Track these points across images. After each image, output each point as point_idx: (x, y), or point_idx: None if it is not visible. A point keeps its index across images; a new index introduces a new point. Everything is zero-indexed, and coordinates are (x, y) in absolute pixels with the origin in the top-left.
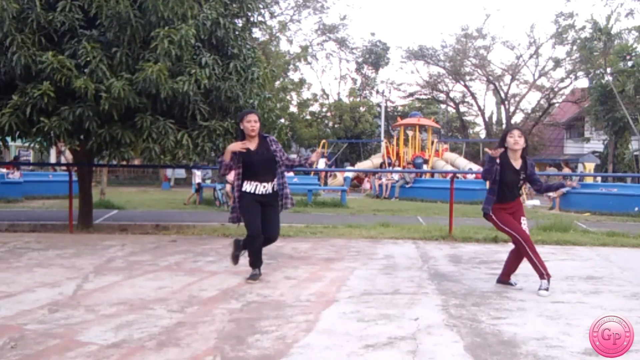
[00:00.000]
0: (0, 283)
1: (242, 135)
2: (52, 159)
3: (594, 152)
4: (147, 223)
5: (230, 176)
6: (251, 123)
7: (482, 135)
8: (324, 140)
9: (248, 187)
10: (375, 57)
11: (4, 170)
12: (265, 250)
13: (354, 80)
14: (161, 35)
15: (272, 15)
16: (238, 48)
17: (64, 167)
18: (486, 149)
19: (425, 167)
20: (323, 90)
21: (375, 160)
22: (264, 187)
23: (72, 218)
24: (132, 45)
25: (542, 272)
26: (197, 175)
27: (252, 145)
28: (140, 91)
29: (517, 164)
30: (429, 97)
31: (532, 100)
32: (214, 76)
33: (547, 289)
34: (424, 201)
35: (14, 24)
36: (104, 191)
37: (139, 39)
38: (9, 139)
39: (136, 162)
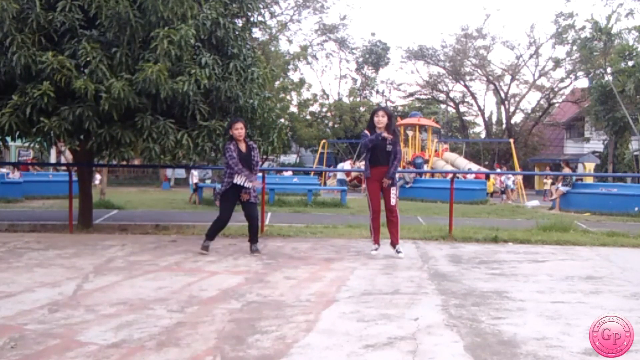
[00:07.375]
0: (0, 283)
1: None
2: (52, 159)
3: (594, 152)
4: (147, 223)
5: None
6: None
7: (482, 135)
8: (324, 140)
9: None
10: (375, 57)
11: (4, 170)
12: (266, 250)
13: (354, 80)
14: (161, 36)
15: (272, 15)
16: (238, 48)
17: (64, 167)
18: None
19: (425, 167)
20: (323, 90)
21: None
22: None
23: (72, 218)
24: (132, 46)
25: (374, 239)
26: (195, 176)
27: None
28: (140, 91)
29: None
30: (429, 97)
31: (532, 100)
32: (214, 76)
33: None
34: (424, 201)
35: (14, 24)
36: (104, 191)
37: (138, 39)
38: (9, 139)
39: (136, 162)
